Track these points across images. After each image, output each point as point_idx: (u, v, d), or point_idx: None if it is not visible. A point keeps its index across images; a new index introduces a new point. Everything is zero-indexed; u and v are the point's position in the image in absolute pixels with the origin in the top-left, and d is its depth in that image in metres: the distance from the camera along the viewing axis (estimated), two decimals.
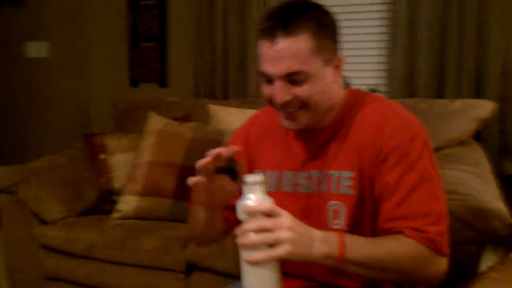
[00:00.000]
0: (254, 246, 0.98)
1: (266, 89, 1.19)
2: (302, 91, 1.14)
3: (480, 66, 2.65)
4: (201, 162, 1.10)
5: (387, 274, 1.11)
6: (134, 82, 3.54)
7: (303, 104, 1.16)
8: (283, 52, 1.12)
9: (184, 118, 2.60)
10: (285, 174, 1.29)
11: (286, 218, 1.01)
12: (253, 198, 1.01)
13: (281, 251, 0.99)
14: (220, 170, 1.11)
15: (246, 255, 0.99)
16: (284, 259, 1.00)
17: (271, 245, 0.99)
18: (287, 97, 1.15)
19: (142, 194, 2.27)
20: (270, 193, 1.09)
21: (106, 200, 2.43)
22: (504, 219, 1.56)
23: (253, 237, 0.98)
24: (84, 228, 2.23)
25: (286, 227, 1.00)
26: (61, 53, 3.43)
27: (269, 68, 1.15)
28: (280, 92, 1.14)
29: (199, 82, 3.21)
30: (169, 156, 2.31)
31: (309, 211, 1.26)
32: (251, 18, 3.04)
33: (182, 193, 2.21)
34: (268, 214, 1.00)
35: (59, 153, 2.63)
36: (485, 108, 2.29)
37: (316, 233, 1.05)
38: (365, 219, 1.21)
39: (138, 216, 2.28)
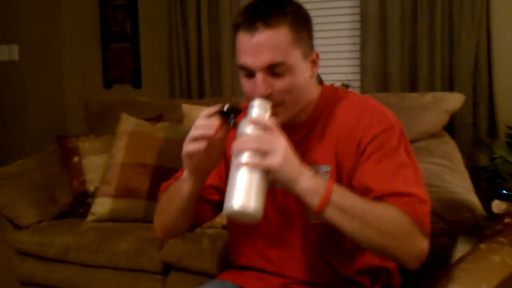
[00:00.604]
0: (248, 152, 1.02)
1: (246, 84, 1.18)
2: (283, 84, 1.14)
3: (452, 60, 2.68)
4: (205, 125, 1.09)
5: (368, 232, 1.07)
6: (108, 83, 3.51)
7: (282, 100, 1.16)
8: (264, 44, 1.11)
9: (157, 119, 2.58)
10: None
11: (283, 139, 1.05)
12: (257, 114, 1.08)
13: (272, 161, 1.01)
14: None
15: (238, 159, 1.03)
16: (273, 172, 1.02)
17: (264, 155, 1.02)
18: (269, 90, 1.14)
19: (115, 196, 2.25)
20: None
21: (81, 203, 2.41)
22: (475, 210, 1.59)
23: (250, 143, 1.03)
24: (58, 232, 2.21)
25: (282, 143, 1.04)
26: (33, 56, 3.37)
27: (250, 60, 1.13)
28: (262, 84, 1.13)
29: (174, 82, 3.20)
30: (142, 157, 2.29)
31: (287, 207, 1.26)
32: (224, 17, 3.03)
33: (156, 193, 2.19)
34: (268, 130, 1.04)
35: (31, 156, 2.60)
36: (455, 100, 2.31)
37: (307, 169, 1.07)
38: None
39: (113, 218, 2.25)
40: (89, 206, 2.33)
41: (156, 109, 2.74)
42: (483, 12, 2.60)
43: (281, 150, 1.02)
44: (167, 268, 2.04)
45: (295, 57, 1.15)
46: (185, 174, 1.17)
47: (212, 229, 2.08)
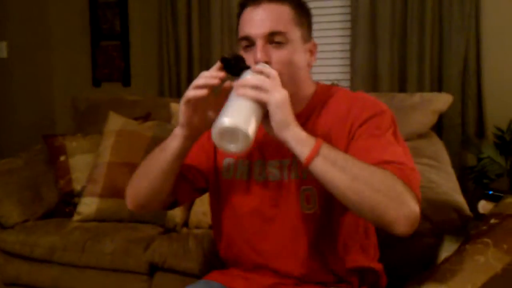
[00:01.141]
0: (249, 86, 1.06)
1: (245, 56, 1.19)
2: (281, 54, 1.16)
3: (441, 61, 2.69)
4: (209, 75, 1.11)
5: (358, 185, 1.03)
6: (97, 82, 3.49)
7: (279, 73, 1.13)
8: (267, 14, 1.16)
9: (145, 117, 2.56)
10: (256, 163, 1.29)
11: (284, 89, 1.07)
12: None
13: (271, 96, 1.04)
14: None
15: (237, 89, 1.06)
16: (270, 107, 1.05)
17: (264, 92, 1.05)
18: (267, 59, 1.15)
19: (102, 195, 2.23)
20: (241, 181, 1.27)
21: (67, 203, 2.39)
22: (461, 210, 1.59)
23: (252, 81, 1.07)
24: (43, 232, 2.18)
25: (283, 90, 1.07)
26: (21, 53, 3.35)
27: (251, 29, 1.17)
28: (261, 51, 1.15)
29: (163, 81, 3.18)
30: (129, 156, 2.27)
31: (281, 199, 1.26)
32: (215, 16, 3.02)
33: None
34: (271, 77, 1.08)
35: (17, 155, 2.57)
36: (443, 101, 2.31)
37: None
38: (337, 201, 1.19)
39: (100, 218, 2.23)
40: (75, 205, 2.31)
41: (144, 107, 2.71)
42: (473, 14, 2.61)
43: (281, 93, 1.06)
44: (153, 269, 2.02)
45: (295, 34, 1.19)
46: (176, 130, 1.17)
47: (199, 229, 2.07)
